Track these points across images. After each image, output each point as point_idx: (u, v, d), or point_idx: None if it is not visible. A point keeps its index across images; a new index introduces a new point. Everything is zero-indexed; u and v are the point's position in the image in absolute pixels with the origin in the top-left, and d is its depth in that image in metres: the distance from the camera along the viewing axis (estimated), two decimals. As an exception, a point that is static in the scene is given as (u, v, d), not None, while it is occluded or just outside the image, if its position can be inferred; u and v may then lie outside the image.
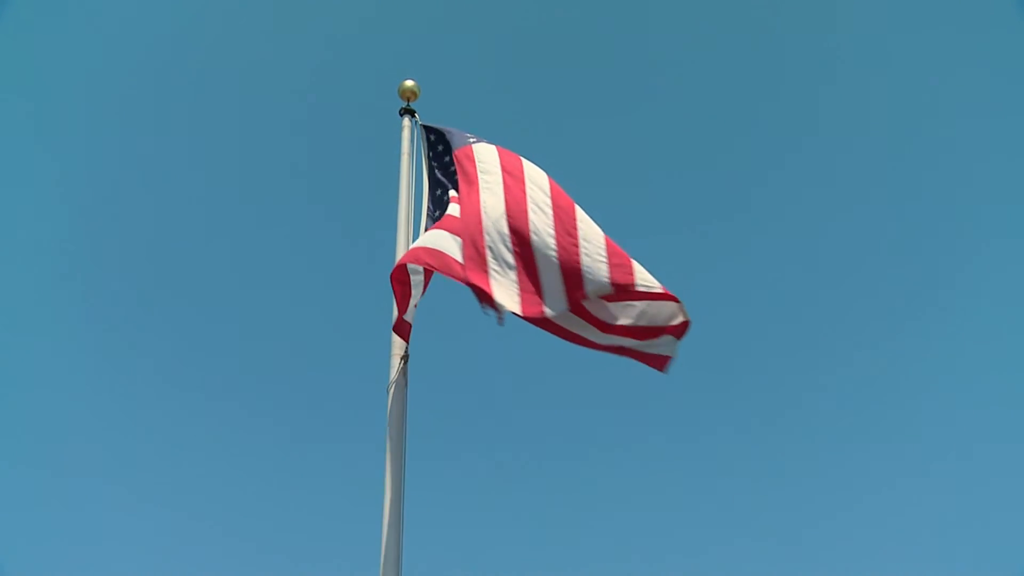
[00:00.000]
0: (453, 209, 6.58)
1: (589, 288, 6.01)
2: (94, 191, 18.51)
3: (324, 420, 18.11)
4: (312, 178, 20.30)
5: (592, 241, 6.18)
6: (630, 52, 21.42)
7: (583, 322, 6.20)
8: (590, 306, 6.17)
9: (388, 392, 6.04)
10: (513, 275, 6.05)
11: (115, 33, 18.55)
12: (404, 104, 7.81)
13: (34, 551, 14.66)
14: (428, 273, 6.24)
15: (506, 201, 6.46)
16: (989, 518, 15.31)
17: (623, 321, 6.18)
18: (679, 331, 6.16)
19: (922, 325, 18.58)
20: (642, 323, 6.17)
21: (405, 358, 6.14)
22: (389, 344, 6.23)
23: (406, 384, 6.09)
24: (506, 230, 6.25)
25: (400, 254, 6.70)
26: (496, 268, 6.04)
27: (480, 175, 6.74)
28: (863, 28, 19.56)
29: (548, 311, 5.96)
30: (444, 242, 6.15)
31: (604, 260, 6.07)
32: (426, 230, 6.88)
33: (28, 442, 15.89)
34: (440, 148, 7.59)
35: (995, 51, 17.96)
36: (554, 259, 6.09)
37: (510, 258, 6.10)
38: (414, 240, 6.81)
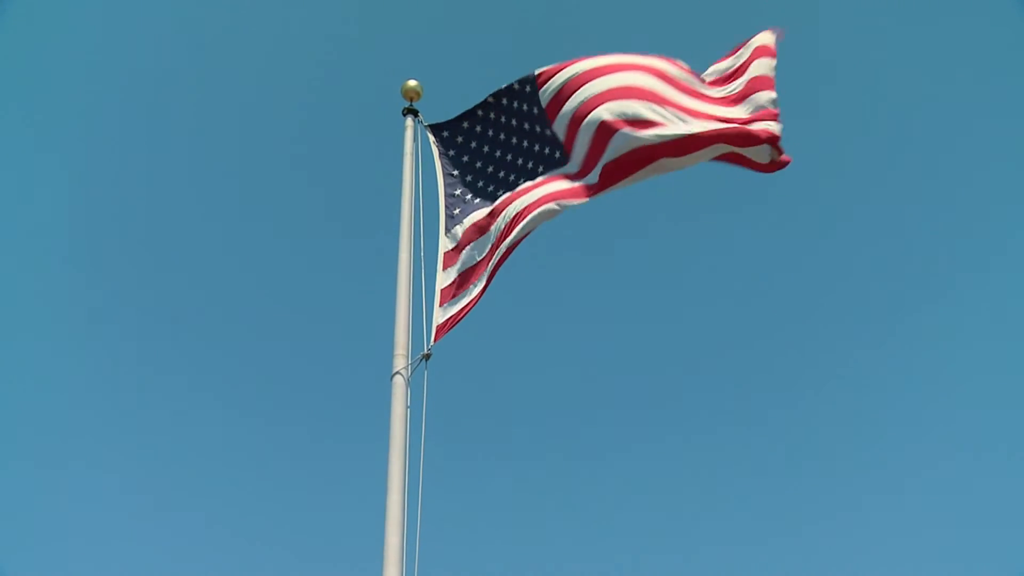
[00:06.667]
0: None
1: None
2: (95, 191, 18.52)
3: (327, 419, 18.14)
4: (314, 177, 20.31)
5: None
6: (630, 51, 21.37)
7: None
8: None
9: (391, 389, 6.06)
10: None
11: (115, 33, 18.57)
12: (407, 104, 7.81)
13: (34, 551, 14.68)
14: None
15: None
16: (989, 518, 15.34)
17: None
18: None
19: (922, 325, 18.62)
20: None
21: (427, 356, 6.24)
22: (392, 342, 6.26)
23: (407, 382, 6.10)
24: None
25: (403, 253, 6.77)
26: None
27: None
28: (863, 27, 19.60)
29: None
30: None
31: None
32: (446, 231, 7.01)
33: (28, 442, 15.92)
34: (459, 139, 7.66)
35: (995, 51, 18.00)
36: None
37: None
38: (415, 239, 6.91)
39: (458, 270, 6.76)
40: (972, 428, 16.96)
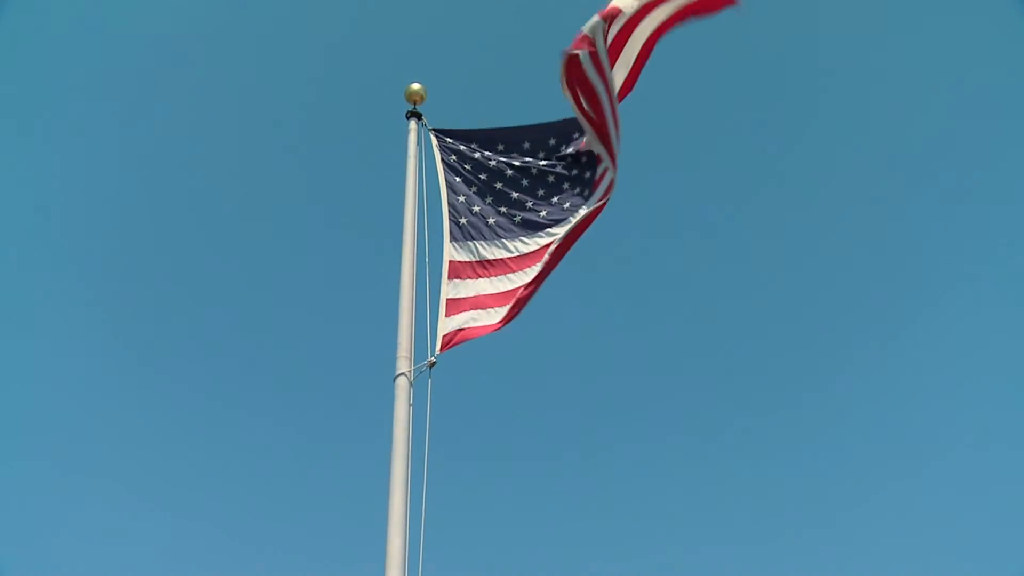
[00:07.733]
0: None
1: None
2: (95, 192, 18.53)
3: (330, 421, 18.16)
4: (318, 179, 20.30)
5: None
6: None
7: None
8: None
9: (394, 392, 6.08)
10: None
11: (117, 34, 18.55)
12: (411, 107, 7.84)
13: (34, 551, 14.70)
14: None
15: None
16: (989, 518, 15.37)
17: None
18: None
19: (922, 325, 18.64)
20: None
21: (431, 364, 6.29)
22: (395, 345, 6.30)
23: (410, 385, 6.13)
24: None
25: (406, 255, 6.79)
26: None
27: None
28: (863, 27, 19.61)
29: None
30: None
31: None
32: (451, 237, 7.04)
33: (28, 442, 15.93)
34: (464, 149, 7.69)
35: (995, 51, 18.02)
36: None
37: None
38: (419, 242, 6.94)
39: (472, 291, 6.81)
40: (972, 428, 17.02)
